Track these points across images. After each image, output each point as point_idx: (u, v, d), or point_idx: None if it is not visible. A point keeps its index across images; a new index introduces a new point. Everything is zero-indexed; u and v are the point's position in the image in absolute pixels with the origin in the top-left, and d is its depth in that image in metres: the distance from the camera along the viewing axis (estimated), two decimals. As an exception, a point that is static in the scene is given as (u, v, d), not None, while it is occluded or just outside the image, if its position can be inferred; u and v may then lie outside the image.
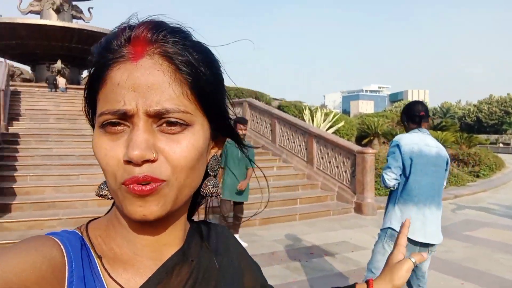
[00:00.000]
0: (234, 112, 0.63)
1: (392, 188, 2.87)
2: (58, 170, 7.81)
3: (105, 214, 0.59)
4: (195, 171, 0.51)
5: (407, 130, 2.99)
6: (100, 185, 0.56)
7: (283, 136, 10.91)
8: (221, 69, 0.56)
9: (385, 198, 2.96)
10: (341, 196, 8.67)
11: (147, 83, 0.47)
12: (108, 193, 0.54)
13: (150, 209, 0.48)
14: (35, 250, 0.46)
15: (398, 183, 2.83)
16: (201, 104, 0.51)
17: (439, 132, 14.40)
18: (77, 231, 0.55)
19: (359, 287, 0.77)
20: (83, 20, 23.60)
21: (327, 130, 11.73)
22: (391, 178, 2.81)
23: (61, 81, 18.04)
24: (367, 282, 0.76)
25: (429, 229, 2.74)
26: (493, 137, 54.11)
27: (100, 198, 0.56)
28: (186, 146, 0.49)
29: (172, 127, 0.48)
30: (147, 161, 0.46)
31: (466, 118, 73.76)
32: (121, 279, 0.52)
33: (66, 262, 0.48)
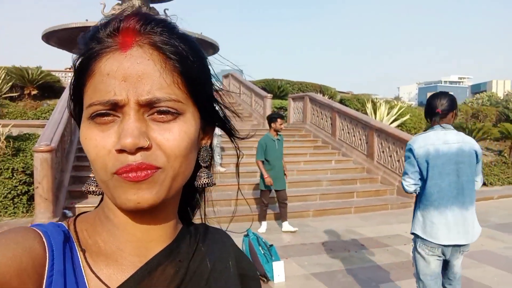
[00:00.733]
0: (228, 102, 0.62)
1: (414, 194, 2.79)
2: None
3: (95, 208, 0.58)
4: (188, 159, 0.51)
5: (432, 125, 2.82)
6: (87, 181, 0.56)
7: (343, 130, 10.83)
8: (207, 61, 0.56)
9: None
10: (401, 191, 8.44)
11: (137, 72, 0.47)
12: (97, 189, 0.55)
13: (145, 196, 0.47)
14: (15, 243, 0.46)
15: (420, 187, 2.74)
16: (191, 93, 0.51)
17: (508, 124, 13.26)
18: (64, 224, 0.54)
19: None
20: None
21: (391, 123, 11.40)
22: (410, 184, 2.72)
23: None
24: None
25: (454, 230, 2.63)
26: None
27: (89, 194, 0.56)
28: (178, 134, 0.49)
29: (164, 116, 0.48)
30: (141, 149, 0.46)
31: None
32: (102, 274, 0.51)
33: (47, 255, 0.47)
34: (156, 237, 0.55)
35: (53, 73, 15.43)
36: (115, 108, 0.47)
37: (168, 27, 0.51)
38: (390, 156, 9.05)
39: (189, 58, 0.51)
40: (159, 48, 0.49)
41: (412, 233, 2.80)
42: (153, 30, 0.50)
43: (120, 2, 15.58)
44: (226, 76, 17.76)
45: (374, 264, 4.77)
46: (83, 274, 0.50)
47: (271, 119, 6.06)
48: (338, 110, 11.02)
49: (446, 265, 2.80)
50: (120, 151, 0.46)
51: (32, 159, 6.44)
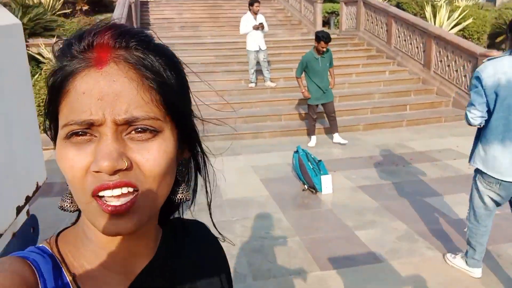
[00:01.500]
0: (200, 115, 0.60)
1: (478, 126, 2.63)
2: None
3: (72, 225, 0.57)
4: (167, 178, 0.51)
5: (509, 47, 2.53)
6: (62, 196, 0.55)
7: (399, 37, 10.24)
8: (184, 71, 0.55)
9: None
10: (457, 103, 8.19)
11: (114, 91, 0.46)
12: (71, 206, 0.54)
13: (125, 226, 0.47)
14: (11, 273, 0.46)
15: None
16: (169, 110, 0.50)
17: None
18: (46, 247, 0.53)
19: None
20: None
21: (451, 29, 10.56)
22: (476, 116, 2.52)
23: None
24: None
25: None
26: None
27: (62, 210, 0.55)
28: (158, 153, 0.48)
29: (142, 134, 0.47)
30: (119, 170, 0.45)
31: None
32: None
33: (40, 285, 0.48)
34: (140, 251, 0.56)
35: (102, -13, 15.39)
36: (92, 127, 0.46)
37: (144, 41, 0.50)
38: (448, 66, 8.60)
39: (165, 74, 0.50)
40: (136, 64, 0.48)
41: (472, 165, 2.74)
42: (129, 46, 0.48)
43: None
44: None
45: (421, 178, 4.95)
46: None
47: (316, 37, 5.98)
48: (394, 15, 10.30)
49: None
50: (97, 172, 0.45)
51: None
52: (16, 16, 5.30)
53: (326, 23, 15.07)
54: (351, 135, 6.80)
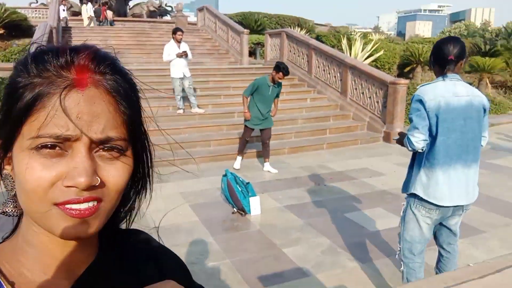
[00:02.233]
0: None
1: (420, 151, 2.50)
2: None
3: (6, 239, 0.58)
4: (123, 191, 0.54)
5: (436, 74, 2.57)
6: (3, 202, 0.55)
7: (319, 67, 11.02)
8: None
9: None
10: (371, 126, 8.97)
11: (93, 112, 0.49)
12: (14, 210, 0.55)
13: (85, 230, 0.50)
14: None
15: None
16: (131, 131, 0.54)
17: (486, 58, 13.68)
18: None
19: None
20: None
21: (365, 59, 11.63)
22: (420, 139, 2.43)
23: (109, 14, 18.49)
24: None
25: (456, 191, 2.49)
26: None
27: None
28: (122, 171, 0.52)
29: (112, 153, 0.51)
30: (92, 186, 0.48)
31: (535, 38, 66.93)
32: None
33: None
34: (82, 258, 0.57)
35: (19, 11, 14.68)
36: (65, 142, 0.48)
37: (115, 66, 0.53)
38: (363, 93, 9.42)
39: (133, 100, 0.55)
40: (111, 90, 0.51)
41: (410, 193, 2.62)
42: (105, 71, 0.52)
43: None
44: (201, 10, 17.25)
45: (341, 196, 5.33)
46: None
47: (277, 67, 6.00)
48: (315, 47, 11.10)
49: (444, 228, 2.73)
50: (69, 186, 0.48)
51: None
52: None
53: (252, 53, 15.71)
54: (277, 158, 7.11)
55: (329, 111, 9.88)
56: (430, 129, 2.46)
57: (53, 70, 0.49)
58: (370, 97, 9.19)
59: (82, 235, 0.50)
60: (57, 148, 0.48)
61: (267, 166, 6.50)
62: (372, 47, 11.97)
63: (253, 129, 6.34)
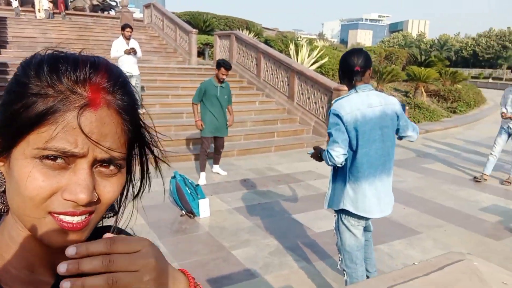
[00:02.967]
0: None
1: (339, 165, 2.51)
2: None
3: None
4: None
5: (348, 87, 2.63)
6: None
7: (267, 71, 11.20)
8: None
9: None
10: (316, 130, 9.28)
11: (102, 132, 0.50)
12: (1, 207, 0.55)
13: (75, 240, 0.51)
14: None
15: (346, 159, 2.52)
16: (129, 150, 0.56)
17: (422, 68, 14.69)
18: None
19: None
20: None
21: (311, 65, 12.00)
22: (340, 153, 2.43)
23: (45, 3, 17.11)
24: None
25: (383, 201, 2.59)
26: (487, 71, 54.24)
27: None
28: (116, 187, 0.54)
29: (112, 169, 0.52)
30: (90, 202, 0.50)
31: (463, 51, 72.91)
32: None
33: None
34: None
35: None
36: (69, 157, 0.49)
37: (123, 84, 0.54)
38: (308, 98, 9.72)
39: (137, 118, 0.56)
40: (120, 111, 0.52)
41: (339, 210, 2.66)
42: (117, 91, 0.52)
43: None
44: (147, 6, 16.84)
45: (289, 197, 5.47)
46: None
47: (217, 64, 5.82)
48: (263, 51, 11.27)
49: None
50: (68, 200, 0.49)
51: None
52: None
53: (201, 53, 15.60)
54: (227, 161, 7.14)
55: (277, 114, 10.08)
56: (350, 143, 2.49)
57: (67, 85, 0.49)
58: (315, 102, 9.50)
59: (69, 244, 0.49)
60: (61, 160, 0.49)
61: (216, 168, 6.48)
62: (317, 54, 12.37)
63: (211, 137, 6.02)
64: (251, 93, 11.13)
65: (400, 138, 2.80)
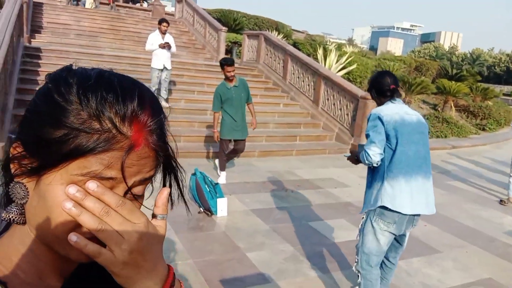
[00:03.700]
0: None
1: (376, 165, 2.68)
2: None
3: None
4: None
5: (378, 104, 2.85)
6: (7, 209, 0.55)
7: (294, 74, 11.14)
8: None
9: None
10: (339, 137, 9.17)
11: (139, 165, 0.52)
12: (19, 218, 0.54)
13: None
14: None
15: (382, 159, 2.67)
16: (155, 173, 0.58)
17: (452, 82, 14.32)
18: None
19: None
20: None
21: (338, 71, 11.86)
22: (376, 153, 2.62)
23: None
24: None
25: (416, 200, 2.65)
26: (519, 90, 52.60)
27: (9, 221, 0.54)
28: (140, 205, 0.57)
29: (139, 190, 0.55)
30: None
31: (496, 67, 70.81)
32: None
33: None
34: (75, 263, 0.59)
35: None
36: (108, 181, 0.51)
37: (161, 120, 0.55)
38: (334, 104, 9.61)
39: (168, 150, 0.57)
40: (155, 148, 0.54)
41: (372, 210, 2.75)
42: (155, 128, 0.53)
43: None
44: (179, 1, 17.00)
45: (306, 204, 5.41)
46: None
47: (220, 65, 5.68)
48: (291, 53, 11.21)
49: (394, 241, 2.91)
50: None
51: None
52: None
53: (228, 51, 15.64)
54: (247, 161, 7.12)
55: (301, 118, 10.01)
56: (389, 142, 2.66)
57: (115, 122, 0.50)
58: (341, 109, 9.39)
59: (85, 260, 0.52)
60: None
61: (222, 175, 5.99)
62: (346, 60, 12.23)
63: (230, 140, 5.84)
64: (276, 95, 11.08)
65: None
